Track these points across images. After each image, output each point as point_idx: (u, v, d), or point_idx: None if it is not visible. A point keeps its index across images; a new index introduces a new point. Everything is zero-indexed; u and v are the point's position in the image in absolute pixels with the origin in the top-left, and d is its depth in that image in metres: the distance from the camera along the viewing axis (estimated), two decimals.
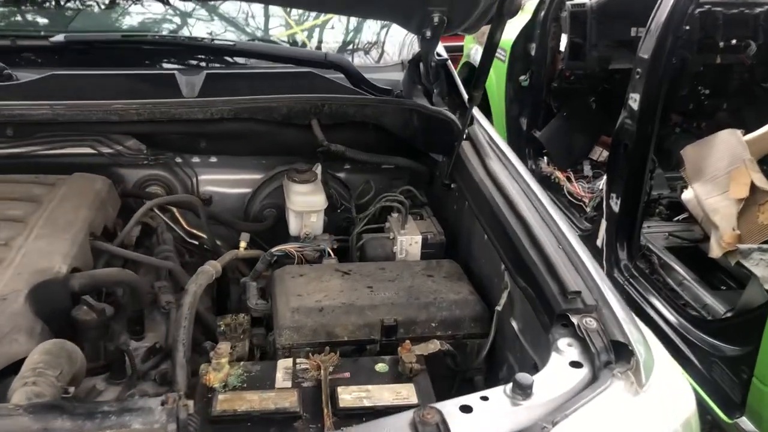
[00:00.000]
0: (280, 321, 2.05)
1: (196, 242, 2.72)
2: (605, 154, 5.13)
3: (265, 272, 2.48)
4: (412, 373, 1.85)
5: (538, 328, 1.85)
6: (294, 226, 2.58)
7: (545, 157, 5.43)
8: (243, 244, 2.50)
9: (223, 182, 2.91)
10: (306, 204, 2.54)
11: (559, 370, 1.59)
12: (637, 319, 1.81)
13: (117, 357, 1.95)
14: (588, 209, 4.84)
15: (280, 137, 2.68)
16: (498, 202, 2.20)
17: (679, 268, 3.88)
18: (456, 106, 2.73)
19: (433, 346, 1.98)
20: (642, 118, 3.63)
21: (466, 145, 2.55)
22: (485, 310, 2.16)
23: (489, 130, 2.66)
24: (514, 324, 2.01)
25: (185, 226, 2.68)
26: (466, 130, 2.55)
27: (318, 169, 2.64)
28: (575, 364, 1.60)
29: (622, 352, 1.63)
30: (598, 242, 4.29)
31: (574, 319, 1.73)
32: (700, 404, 2.98)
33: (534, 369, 1.74)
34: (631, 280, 3.94)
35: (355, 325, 2.07)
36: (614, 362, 1.61)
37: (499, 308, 2.05)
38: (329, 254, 2.46)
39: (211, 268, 2.22)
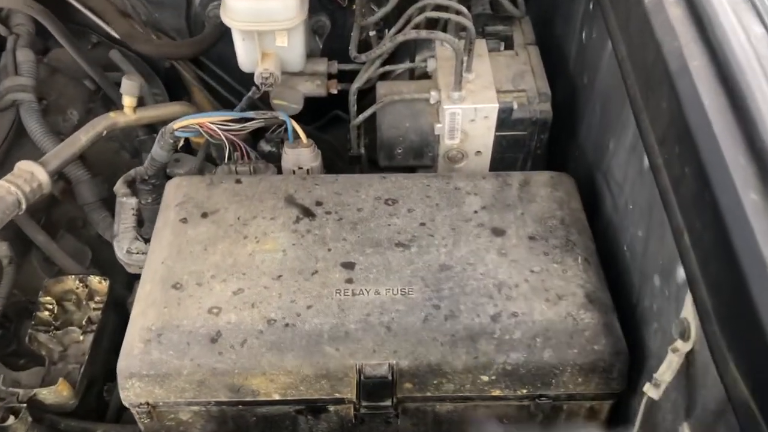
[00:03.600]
0: (121, 360, 0.89)
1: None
2: None
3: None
4: None
5: None
6: (243, 55, 1.25)
7: None
8: (128, 102, 1.23)
9: None
10: (255, 14, 1.18)
11: None
12: None
13: None
14: None
15: None
16: (695, 68, 0.78)
17: None
18: None
19: None
20: None
21: None
22: (617, 350, 0.89)
23: None
24: None
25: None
26: None
27: None
28: None
29: None
30: None
31: None
32: None
33: None
34: None
35: (297, 374, 0.87)
36: None
37: (654, 394, 0.77)
38: (296, 134, 1.16)
39: (13, 190, 1.01)
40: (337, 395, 0.90)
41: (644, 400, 0.79)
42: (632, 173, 0.94)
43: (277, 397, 0.90)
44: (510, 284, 0.92)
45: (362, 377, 0.87)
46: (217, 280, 0.93)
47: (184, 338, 0.88)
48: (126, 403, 0.90)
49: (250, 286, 0.92)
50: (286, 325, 0.88)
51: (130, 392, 0.89)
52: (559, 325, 0.88)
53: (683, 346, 0.77)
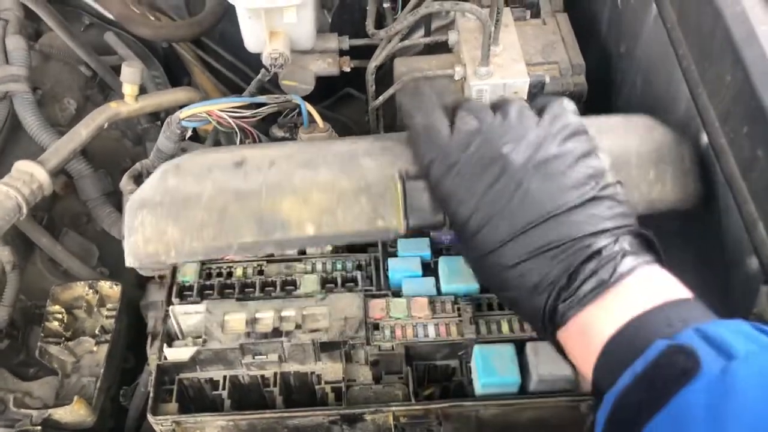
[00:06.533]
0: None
1: None
2: None
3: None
4: None
5: None
6: (249, 35, 1.16)
7: None
8: (129, 90, 1.14)
9: None
10: None
11: None
12: None
13: None
14: None
15: None
16: (765, 34, 0.70)
17: None
18: None
19: None
20: None
21: None
22: None
23: None
24: None
25: None
26: None
27: None
28: None
29: None
30: None
31: None
32: None
33: None
34: None
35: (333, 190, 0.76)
36: None
37: None
38: (311, 118, 1.08)
39: (12, 193, 0.94)
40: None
41: None
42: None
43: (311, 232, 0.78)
44: None
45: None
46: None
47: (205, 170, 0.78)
48: (131, 259, 0.78)
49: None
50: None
51: (140, 236, 0.76)
52: None
53: None
